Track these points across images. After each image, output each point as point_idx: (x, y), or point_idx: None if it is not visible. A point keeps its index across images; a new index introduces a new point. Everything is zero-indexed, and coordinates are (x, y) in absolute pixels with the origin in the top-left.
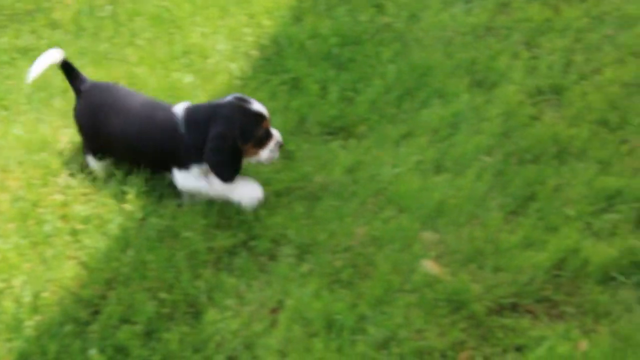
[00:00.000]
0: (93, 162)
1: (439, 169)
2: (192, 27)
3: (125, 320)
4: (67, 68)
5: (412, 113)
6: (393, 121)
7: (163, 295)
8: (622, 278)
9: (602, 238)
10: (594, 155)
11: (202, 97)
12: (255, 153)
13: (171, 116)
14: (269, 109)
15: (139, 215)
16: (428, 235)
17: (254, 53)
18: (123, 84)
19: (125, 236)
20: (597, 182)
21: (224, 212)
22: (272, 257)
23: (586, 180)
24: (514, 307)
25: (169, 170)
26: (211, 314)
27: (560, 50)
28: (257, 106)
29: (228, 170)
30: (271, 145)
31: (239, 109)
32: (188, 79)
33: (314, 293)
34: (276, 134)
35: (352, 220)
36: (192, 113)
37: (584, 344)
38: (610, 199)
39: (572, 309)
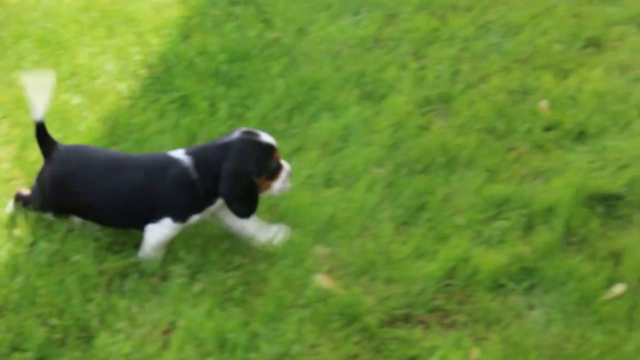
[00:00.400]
0: (47, 216)
1: (329, 182)
2: (79, 48)
3: (15, 348)
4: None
5: (302, 127)
6: (283, 136)
7: (54, 321)
8: (511, 285)
9: (491, 246)
10: (482, 164)
11: (91, 119)
12: (268, 186)
13: (178, 164)
14: (158, 128)
15: (29, 240)
16: (320, 250)
17: (143, 72)
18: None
19: (14, 262)
20: (486, 190)
21: (115, 234)
22: (164, 278)
23: (475, 188)
24: (406, 318)
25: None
26: (103, 338)
27: (448, 59)
28: (266, 138)
29: (246, 206)
30: (283, 176)
31: (250, 142)
32: (76, 100)
33: (207, 312)
34: (285, 164)
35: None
36: (202, 156)
37: (475, 352)
38: (499, 207)
39: (464, 318)
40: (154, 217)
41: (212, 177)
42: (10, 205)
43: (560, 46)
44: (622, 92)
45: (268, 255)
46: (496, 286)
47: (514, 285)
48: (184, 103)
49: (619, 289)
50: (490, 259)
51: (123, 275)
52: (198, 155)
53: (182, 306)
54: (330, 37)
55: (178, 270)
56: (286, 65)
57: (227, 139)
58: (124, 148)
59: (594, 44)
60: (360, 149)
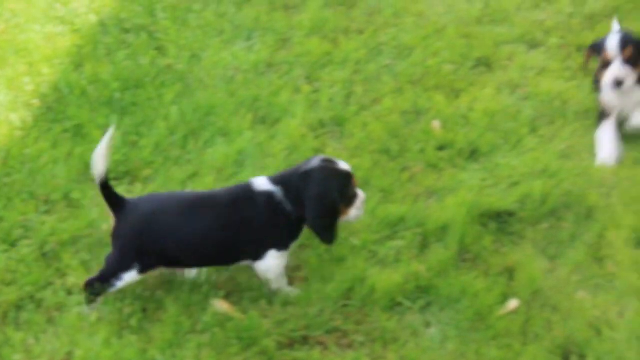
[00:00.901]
0: (128, 279)
1: None
2: None
3: None
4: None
5: (197, 153)
6: (178, 162)
7: None
8: (408, 303)
9: (387, 265)
10: (377, 184)
11: None
12: (346, 213)
13: (271, 197)
14: (52, 158)
15: None
16: (218, 275)
17: (35, 102)
18: None
19: None
20: (380, 211)
21: (8, 266)
22: (60, 308)
23: (370, 209)
24: (304, 340)
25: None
26: None
27: (341, 82)
28: (345, 166)
29: (331, 233)
30: (358, 203)
31: (332, 170)
32: None
33: (104, 341)
34: (360, 192)
35: None
36: (290, 185)
37: None
38: (394, 226)
39: (362, 338)
40: (256, 251)
41: (301, 205)
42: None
43: (451, 66)
44: (512, 111)
45: (166, 281)
46: (393, 305)
47: (410, 304)
48: (78, 132)
49: (513, 304)
50: (387, 279)
51: (18, 307)
52: (287, 185)
53: (79, 336)
54: (224, 62)
55: (75, 300)
56: (180, 92)
57: (307, 166)
58: (17, 179)
59: (484, 63)
60: (255, 173)
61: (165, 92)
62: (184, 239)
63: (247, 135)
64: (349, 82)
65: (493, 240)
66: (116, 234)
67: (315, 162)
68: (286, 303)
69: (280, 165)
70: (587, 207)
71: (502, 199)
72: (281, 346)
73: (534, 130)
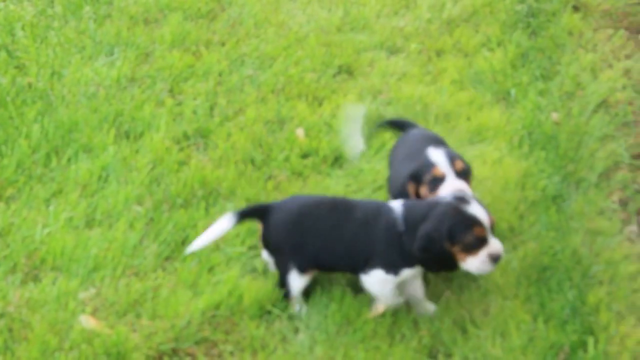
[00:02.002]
0: (297, 281)
1: (91, 223)
2: None
3: None
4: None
5: (60, 170)
6: (41, 180)
7: None
8: (276, 311)
9: (256, 275)
10: (242, 194)
11: None
12: (463, 259)
13: (390, 212)
14: None
15: None
16: (86, 291)
17: None
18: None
19: None
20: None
21: None
22: None
23: None
24: (174, 352)
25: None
26: None
27: (204, 94)
28: (474, 209)
29: (435, 270)
30: (482, 255)
31: (453, 210)
32: None
33: None
34: (495, 244)
35: (5, 285)
36: (411, 209)
37: None
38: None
39: (231, 347)
40: (368, 266)
41: (415, 232)
42: (293, 280)
43: (313, 75)
44: (374, 116)
45: (31, 300)
46: (262, 313)
47: (279, 311)
48: None
49: (380, 307)
50: (256, 288)
51: None
52: (409, 208)
53: None
54: (86, 78)
55: None
56: (42, 110)
57: (438, 199)
58: None
59: (346, 71)
60: (119, 188)
61: (27, 110)
62: (322, 240)
63: (111, 151)
64: (212, 93)
65: None
66: (271, 238)
67: (447, 197)
68: (155, 316)
69: (145, 179)
70: None
71: None
72: (150, 359)
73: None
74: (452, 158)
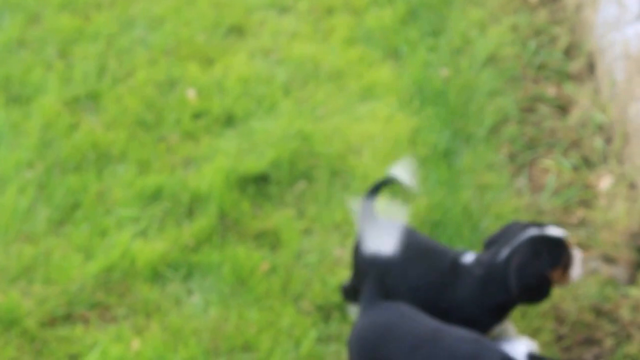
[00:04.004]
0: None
1: None
2: None
3: None
4: None
5: None
6: None
7: None
8: (170, 273)
9: (148, 237)
10: (134, 157)
11: None
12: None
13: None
14: None
15: None
16: None
17: None
18: None
19: None
20: (139, 183)
21: None
22: None
23: (128, 181)
24: (67, 317)
25: None
26: None
27: (94, 57)
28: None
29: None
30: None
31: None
32: None
33: None
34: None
35: None
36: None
37: (136, 343)
38: (154, 198)
39: (124, 310)
40: None
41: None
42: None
43: (204, 35)
44: (265, 75)
45: None
46: (155, 276)
47: (172, 274)
48: None
49: (264, 265)
50: (149, 250)
51: None
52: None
53: None
54: None
55: None
56: None
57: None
58: None
59: (236, 30)
60: (9, 152)
61: None
62: None
63: (1, 116)
64: (102, 56)
65: (252, 205)
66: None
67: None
68: (47, 281)
69: (35, 144)
70: (340, 167)
71: (258, 164)
72: (43, 325)
73: (287, 93)
74: None
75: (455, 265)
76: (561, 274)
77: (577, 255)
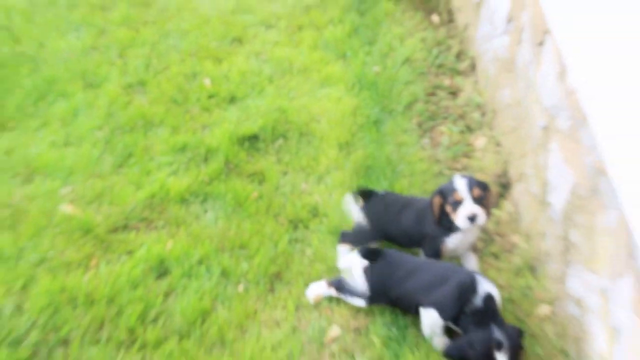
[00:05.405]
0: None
1: (67, 144)
2: None
3: None
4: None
5: (45, 110)
6: (33, 116)
7: None
8: (192, 199)
9: (178, 175)
10: (169, 123)
11: None
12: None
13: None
14: None
15: None
16: (65, 188)
17: None
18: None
19: None
20: (172, 140)
21: None
22: None
23: (164, 139)
24: (124, 227)
25: None
26: None
27: (142, 57)
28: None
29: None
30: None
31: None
32: None
33: None
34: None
35: (10, 187)
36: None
37: (170, 244)
38: (182, 150)
39: (162, 223)
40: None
41: None
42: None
43: (216, 43)
44: (257, 70)
45: (28, 195)
46: (182, 200)
47: (194, 199)
48: None
49: (255, 194)
50: (178, 184)
51: None
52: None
53: None
54: (61, 47)
55: None
56: (31, 69)
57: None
58: None
59: (237, 40)
60: (86, 120)
61: (21, 69)
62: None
63: (80, 97)
64: (147, 57)
65: (247, 155)
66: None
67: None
68: (112, 204)
69: (103, 114)
70: (306, 130)
71: (251, 128)
72: (109, 232)
73: (271, 82)
74: (471, 186)
75: (422, 209)
76: (439, 204)
77: (466, 207)
